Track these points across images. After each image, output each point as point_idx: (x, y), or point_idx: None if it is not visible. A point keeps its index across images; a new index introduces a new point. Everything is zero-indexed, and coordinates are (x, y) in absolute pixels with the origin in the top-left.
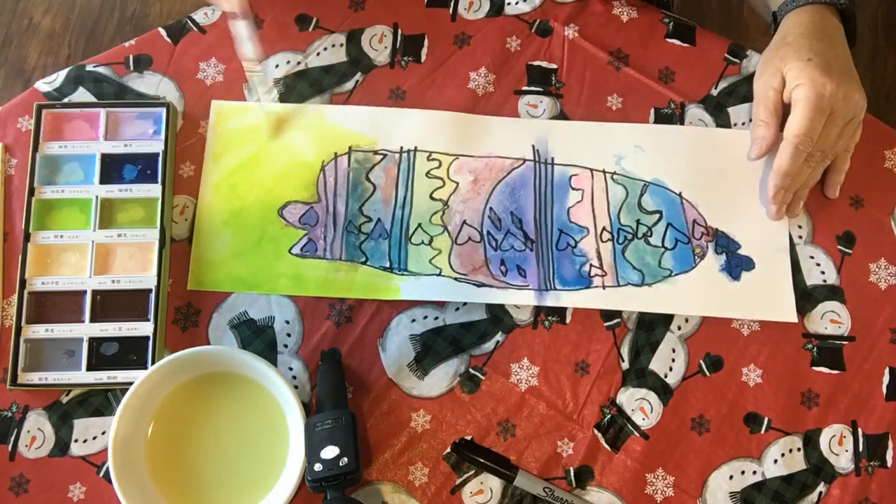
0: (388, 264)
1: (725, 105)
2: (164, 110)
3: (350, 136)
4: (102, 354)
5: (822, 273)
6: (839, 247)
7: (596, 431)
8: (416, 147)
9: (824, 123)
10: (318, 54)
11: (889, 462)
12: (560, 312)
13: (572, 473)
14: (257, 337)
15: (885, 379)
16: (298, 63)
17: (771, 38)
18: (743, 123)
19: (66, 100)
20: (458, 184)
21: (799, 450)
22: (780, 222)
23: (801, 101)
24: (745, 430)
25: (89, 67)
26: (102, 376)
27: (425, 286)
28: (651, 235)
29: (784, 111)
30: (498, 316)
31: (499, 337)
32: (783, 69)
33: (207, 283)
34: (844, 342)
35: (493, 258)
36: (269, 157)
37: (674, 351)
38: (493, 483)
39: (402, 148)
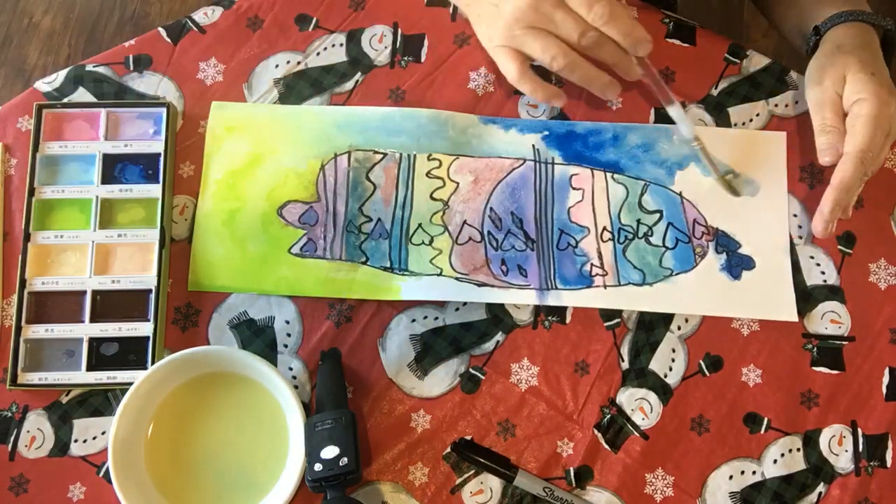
0: (388, 264)
1: (725, 105)
2: (164, 110)
3: (350, 135)
4: (102, 354)
5: (822, 273)
6: (839, 247)
7: (596, 431)
8: (416, 147)
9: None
10: (318, 54)
11: (889, 462)
12: (560, 312)
13: (572, 473)
14: (257, 337)
15: (885, 379)
16: (298, 63)
17: (773, 43)
18: (743, 123)
19: (66, 100)
20: (458, 184)
21: (798, 450)
22: (781, 222)
23: (865, 116)
24: (745, 430)
25: (89, 67)
26: (102, 376)
27: (426, 286)
28: (652, 235)
29: None
30: (498, 316)
31: (499, 337)
32: (846, 76)
33: (207, 283)
34: (844, 342)
35: (493, 258)
36: (268, 157)
37: (674, 351)
38: (493, 483)
39: (402, 148)
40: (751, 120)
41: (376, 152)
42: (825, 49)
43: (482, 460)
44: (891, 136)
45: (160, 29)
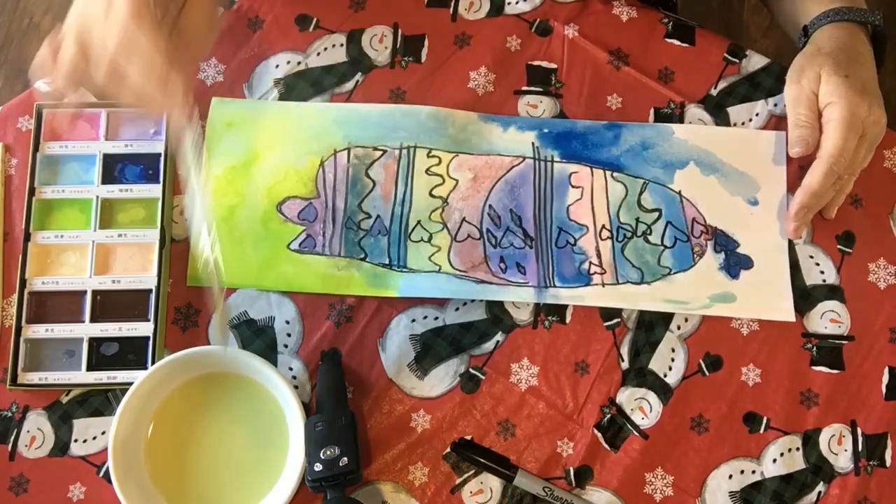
0: (387, 261)
1: (725, 105)
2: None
3: (350, 132)
4: (102, 354)
5: (822, 273)
6: (839, 246)
7: (595, 431)
8: (415, 144)
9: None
10: (318, 54)
11: (888, 462)
12: (560, 312)
13: (572, 473)
14: (257, 337)
15: (885, 378)
16: (298, 63)
17: (772, 43)
18: (742, 123)
19: (66, 100)
20: (457, 181)
21: (798, 449)
22: (780, 221)
23: (836, 120)
24: (745, 429)
25: None
26: (102, 376)
27: (425, 283)
28: (650, 233)
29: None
30: (498, 316)
31: (499, 337)
32: (821, 74)
33: (206, 279)
34: (844, 342)
35: (492, 255)
36: (267, 153)
37: (673, 350)
38: (492, 483)
39: (401, 145)
40: (750, 119)
41: (376, 149)
42: (807, 50)
43: (482, 460)
44: (866, 137)
45: None
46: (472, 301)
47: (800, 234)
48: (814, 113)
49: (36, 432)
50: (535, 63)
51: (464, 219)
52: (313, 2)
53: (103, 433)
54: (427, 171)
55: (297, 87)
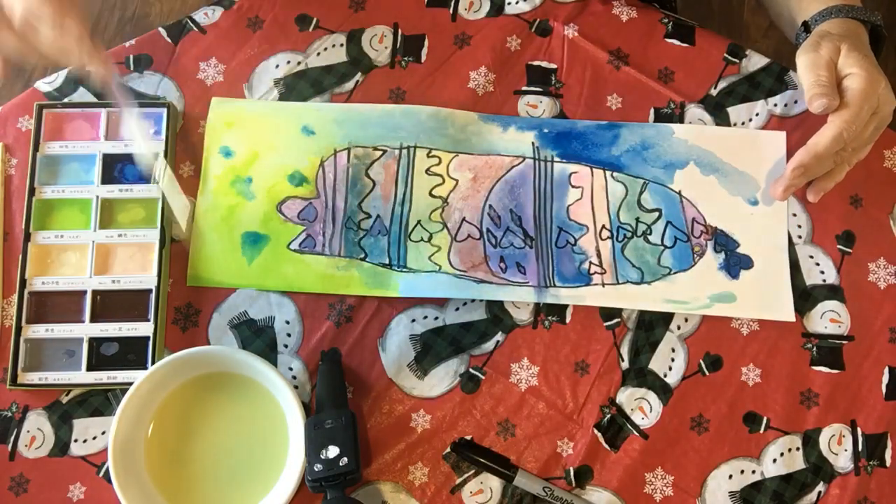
0: (387, 261)
1: (725, 105)
2: (164, 110)
3: (350, 132)
4: (102, 354)
5: (822, 273)
6: (839, 246)
7: (595, 431)
8: (415, 144)
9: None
10: (318, 54)
11: (888, 461)
12: (560, 312)
13: (572, 473)
14: (257, 337)
15: (885, 378)
16: (299, 63)
17: (772, 43)
18: (742, 123)
19: (66, 100)
20: (457, 181)
21: (798, 449)
22: (780, 221)
23: (856, 89)
24: (745, 429)
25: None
26: (102, 376)
27: (425, 283)
28: (650, 233)
29: None
30: (498, 316)
31: (499, 337)
32: (841, 48)
33: (206, 278)
34: (844, 342)
35: (492, 255)
36: (267, 153)
37: (673, 350)
38: (492, 483)
39: (401, 144)
40: (750, 119)
41: (376, 149)
42: (816, 34)
43: (482, 460)
44: (877, 115)
45: (160, 29)
46: (472, 301)
47: (787, 196)
48: (833, 77)
49: (36, 432)
50: (535, 63)
51: (464, 219)
52: (313, 2)
53: (103, 433)
54: (427, 171)
55: (297, 87)
